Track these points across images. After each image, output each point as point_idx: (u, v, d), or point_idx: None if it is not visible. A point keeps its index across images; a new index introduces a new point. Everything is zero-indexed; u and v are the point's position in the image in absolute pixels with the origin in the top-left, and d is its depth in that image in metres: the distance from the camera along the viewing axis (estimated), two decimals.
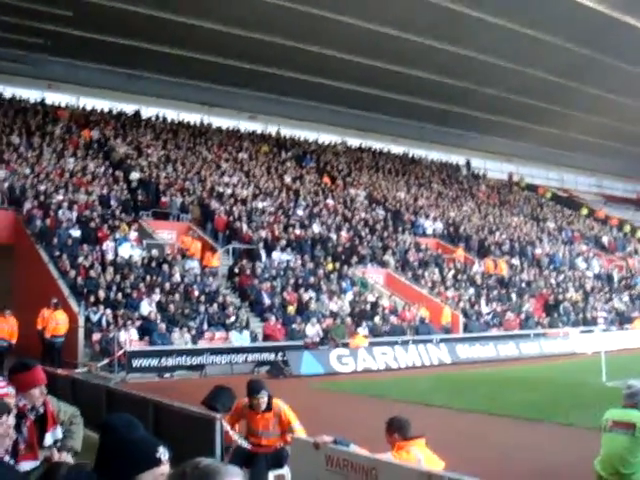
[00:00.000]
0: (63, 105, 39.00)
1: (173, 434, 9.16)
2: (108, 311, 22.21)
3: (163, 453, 2.87)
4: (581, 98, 44.91)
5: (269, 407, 8.34)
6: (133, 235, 27.41)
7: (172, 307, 23.49)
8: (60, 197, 27.70)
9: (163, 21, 33.93)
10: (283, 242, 30.21)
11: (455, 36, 36.33)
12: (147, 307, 23.12)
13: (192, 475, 2.12)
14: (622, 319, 34.30)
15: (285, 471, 8.34)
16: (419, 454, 6.06)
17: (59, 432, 5.90)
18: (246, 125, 46.26)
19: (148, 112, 42.59)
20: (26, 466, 5.22)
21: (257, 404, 8.28)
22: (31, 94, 38.95)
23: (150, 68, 40.04)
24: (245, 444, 8.29)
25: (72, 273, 23.53)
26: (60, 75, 39.84)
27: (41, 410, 5.64)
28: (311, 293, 27.34)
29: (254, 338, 23.99)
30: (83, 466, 3.03)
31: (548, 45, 36.96)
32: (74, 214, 26.87)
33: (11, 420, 4.47)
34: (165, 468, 2.78)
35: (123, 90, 41.71)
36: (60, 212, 26.56)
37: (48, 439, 5.72)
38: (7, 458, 4.48)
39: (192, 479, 2.11)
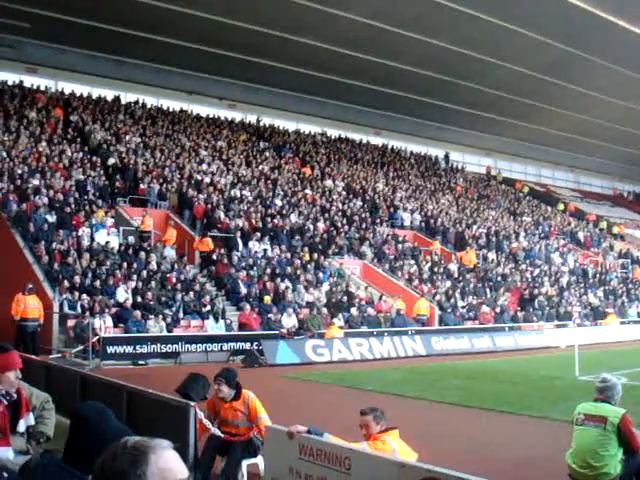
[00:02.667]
0: (41, 89, 38.59)
1: (147, 422, 9.13)
2: (84, 297, 22.10)
3: None
4: (561, 95, 45.25)
5: (237, 397, 8.37)
6: (109, 221, 27.26)
7: (148, 294, 23.40)
8: (36, 182, 27.45)
9: (147, 7, 33.77)
10: (260, 231, 30.15)
11: (437, 29, 36.45)
12: (123, 294, 23.02)
13: (123, 454, 2.10)
14: (596, 314, 34.59)
15: (259, 460, 8.36)
16: (394, 444, 6.10)
17: (32, 418, 5.87)
18: (226, 113, 46.12)
19: (127, 98, 42.32)
20: None
21: (216, 389, 8.35)
22: (9, 77, 38.51)
23: (131, 54, 39.83)
24: (218, 432, 8.29)
25: (47, 259, 23.37)
26: (40, 59, 39.47)
27: (15, 396, 5.60)
28: (288, 283, 27.32)
29: (229, 327, 23.97)
30: (54, 453, 3.00)
31: (530, 41, 37.18)
32: (50, 199, 26.65)
33: None
34: None
35: (103, 75, 41.44)
36: (37, 197, 26.34)
37: (21, 425, 5.70)
38: None
39: (124, 458, 2.09)
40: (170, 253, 27.05)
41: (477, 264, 35.76)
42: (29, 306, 20.92)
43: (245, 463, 8.41)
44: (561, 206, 54.95)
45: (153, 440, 2.16)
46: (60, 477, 2.76)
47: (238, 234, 29.17)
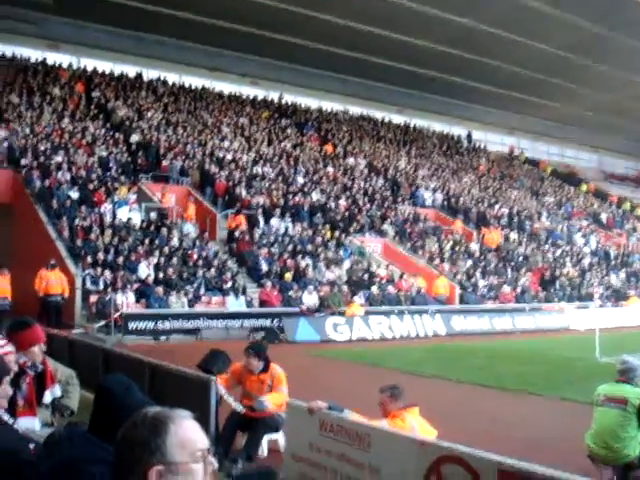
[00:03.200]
0: (64, 66, 38.67)
1: (169, 396, 9.21)
2: (106, 273, 22.28)
3: None
4: (587, 74, 44.72)
5: (265, 369, 8.48)
6: (132, 198, 27.39)
7: (170, 270, 23.53)
8: (59, 158, 27.60)
9: None
10: (282, 209, 30.18)
11: (462, 6, 36.06)
12: (145, 270, 23.17)
13: (143, 424, 2.14)
14: (617, 296, 34.38)
15: (279, 436, 8.45)
16: (413, 422, 6.13)
17: (58, 390, 5.95)
18: (248, 90, 45.98)
19: (150, 75, 42.32)
20: (24, 422, 5.26)
21: (245, 361, 8.46)
22: (32, 54, 38.61)
23: (154, 31, 39.76)
24: (240, 408, 8.37)
25: (70, 235, 23.56)
26: (62, 35, 39.44)
27: (40, 367, 5.68)
28: (308, 260, 27.37)
29: (250, 304, 24.07)
30: (79, 425, 3.05)
31: (557, 20, 36.72)
32: (73, 175, 26.81)
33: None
34: None
35: (125, 52, 41.38)
36: (59, 173, 26.50)
37: (47, 397, 5.78)
38: (6, 416, 4.51)
39: (144, 428, 2.13)
40: (190, 229, 27.14)
41: (500, 244, 35.58)
42: (51, 281, 21.17)
43: (266, 439, 8.50)
44: (584, 187, 54.49)
45: (173, 410, 2.20)
46: (86, 447, 2.81)
47: (260, 211, 29.22)
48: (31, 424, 5.36)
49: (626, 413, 6.74)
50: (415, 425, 6.06)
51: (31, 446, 3.62)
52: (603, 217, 47.10)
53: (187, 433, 2.15)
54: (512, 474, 4.65)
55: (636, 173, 68.27)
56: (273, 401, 8.22)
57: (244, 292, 24.43)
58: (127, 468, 2.12)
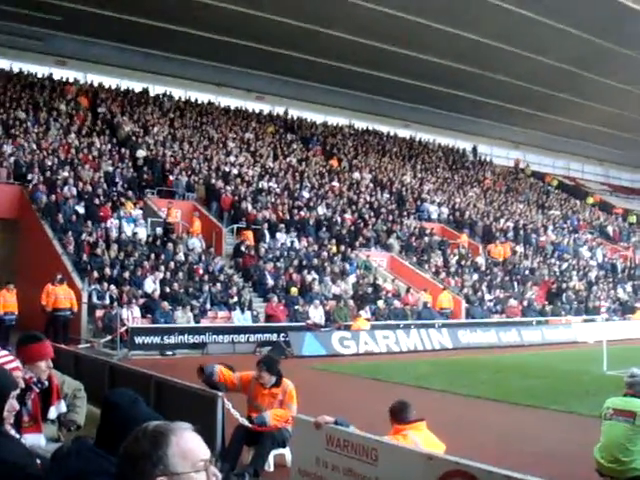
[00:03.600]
0: (70, 81, 38.85)
1: (175, 411, 9.19)
2: (112, 288, 22.31)
3: None
4: (591, 87, 44.75)
5: (277, 384, 8.46)
6: (138, 213, 27.46)
7: (176, 285, 23.55)
8: (65, 173, 27.70)
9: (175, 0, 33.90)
10: (287, 223, 30.20)
11: (467, 21, 36.16)
12: (151, 285, 23.19)
13: (144, 438, 2.16)
14: (625, 309, 34.27)
15: (286, 451, 8.41)
16: (416, 438, 6.08)
17: (63, 406, 5.94)
18: (253, 105, 46.14)
19: (156, 90, 42.50)
20: (30, 439, 5.25)
21: (257, 375, 8.43)
22: (39, 70, 38.84)
23: (160, 46, 39.91)
24: (246, 423, 8.34)
25: (76, 249, 23.61)
26: (69, 51, 39.72)
27: (46, 383, 5.67)
28: (314, 275, 27.36)
29: (256, 318, 24.06)
30: (86, 439, 3.05)
31: (561, 33, 36.79)
32: (79, 190, 26.89)
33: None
34: None
35: (132, 68, 41.63)
36: (65, 188, 26.59)
37: (52, 412, 5.77)
38: (11, 431, 4.50)
39: (145, 441, 2.15)
40: (196, 244, 27.17)
41: (507, 257, 35.47)
42: (60, 296, 21.18)
43: (273, 453, 8.47)
44: (590, 200, 54.45)
45: (173, 423, 2.22)
46: (93, 460, 2.81)
47: (265, 226, 29.24)
48: (36, 440, 5.34)
49: (634, 427, 6.71)
50: (418, 441, 6.01)
51: (37, 461, 3.61)
52: (609, 230, 47.02)
53: (188, 444, 2.16)
54: None
55: None
56: (273, 417, 8.20)
57: (250, 306, 24.43)
58: None
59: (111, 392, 3.21)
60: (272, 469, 8.48)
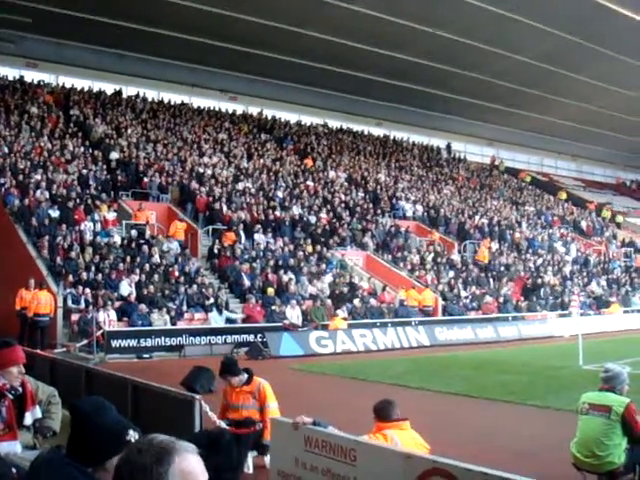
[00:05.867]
0: (42, 84, 38.55)
1: (152, 415, 9.17)
2: (87, 291, 22.14)
3: (133, 436, 2.84)
4: (564, 84, 45.15)
5: (249, 381, 8.45)
6: (112, 216, 27.30)
7: (152, 288, 23.43)
8: (38, 176, 27.45)
9: (148, 0, 33.70)
10: (263, 224, 30.15)
11: (440, 19, 36.35)
12: (127, 288, 23.06)
13: (148, 451, 2.14)
14: (599, 303, 34.57)
15: (266, 459, 8.38)
16: (396, 437, 6.08)
17: (38, 411, 5.88)
18: (227, 106, 46.04)
19: (129, 92, 42.26)
20: (5, 446, 5.20)
21: (228, 383, 8.44)
22: (9, 72, 38.47)
23: (132, 48, 39.77)
24: (224, 425, 8.31)
25: (51, 253, 23.41)
26: (40, 53, 39.43)
27: (20, 390, 5.62)
28: (291, 275, 27.33)
29: (233, 320, 24.01)
30: (62, 448, 3.01)
31: (533, 30, 37.07)
32: (52, 194, 26.67)
33: None
34: None
35: (104, 69, 41.36)
36: (38, 191, 26.35)
37: (28, 419, 5.71)
38: None
39: (149, 455, 2.12)
40: (176, 246, 27.06)
41: (490, 260, 35.60)
42: (41, 302, 20.98)
43: (251, 455, 8.45)
44: (563, 195, 54.87)
45: (179, 442, 2.19)
46: (63, 471, 2.76)
47: (241, 227, 29.17)
48: (12, 448, 5.30)
49: (610, 421, 6.76)
50: (398, 440, 6.01)
51: (13, 470, 3.58)
52: (583, 225, 47.43)
53: (190, 467, 2.14)
54: None
55: (614, 181, 68.86)
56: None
57: (227, 308, 24.37)
58: None
59: (77, 400, 3.16)
60: (251, 471, 8.46)
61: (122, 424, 2.93)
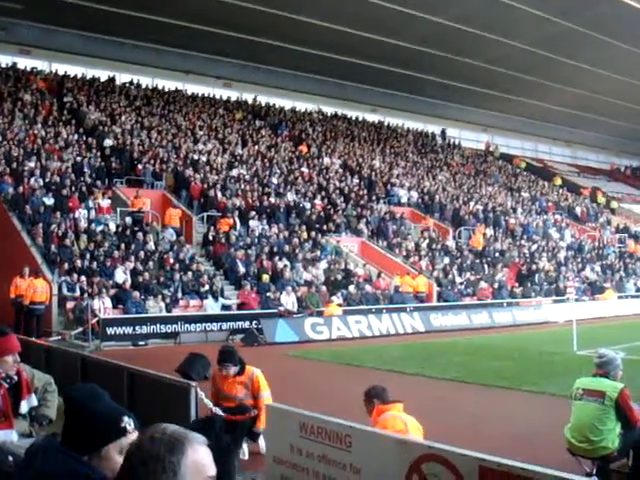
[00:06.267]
0: (35, 71, 38.38)
1: (148, 402, 9.18)
2: (82, 279, 22.13)
3: (128, 422, 2.83)
4: (559, 70, 45.07)
5: (241, 371, 8.44)
6: (106, 203, 27.27)
7: (147, 275, 23.43)
8: (32, 164, 27.38)
9: None
10: (257, 210, 30.14)
11: (435, 5, 36.24)
12: (121, 275, 23.05)
13: (161, 440, 2.17)
14: (594, 289, 34.66)
15: (259, 438, 8.44)
16: (404, 417, 6.17)
17: (34, 400, 5.89)
18: (221, 92, 45.90)
19: (122, 78, 42.10)
20: (1, 435, 5.21)
21: (225, 373, 8.41)
22: (2, 59, 38.25)
23: (126, 34, 39.56)
24: (219, 412, 8.33)
25: (45, 241, 23.37)
26: (33, 40, 39.16)
27: (15, 378, 5.62)
28: (286, 261, 27.34)
29: (228, 306, 24.03)
30: (57, 436, 3.01)
31: (528, 16, 36.97)
32: (46, 181, 26.61)
33: None
34: (132, 437, 2.74)
35: (98, 56, 41.14)
36: (32, 179, 26.29)
37: (24, 407, 5.72)
38: None
39: (162, 444, 2.16)
40: (171, 233, 27.05)
41: (485, 246, 35.63)
42: (38, 290, 20.99)
43: (246, 442, 8.48)
44: (558, 181, 54.90)
45: (191, 433, 2.24)
46: (59, 460, 2.76)
47: (236, 213, 29.16)
48: (8, 436, 5.31)
49: (604, 406, 6.79)
50: (407, 421, 6.10)
51: (10, 458, 3.58)
52: (577, 211, 47.50)
53: (201, 458, 2.19)
54: (493, 470, 4.66)
55: (609, 166, 68.90)
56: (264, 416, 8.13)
57: (222, 295, 24.39)
58: (135, 479, 2.14)
59: (71, 388, 3.16)
60: (247, 457, 8.50)
61: (117, 411, 2.91)
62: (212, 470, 2.20)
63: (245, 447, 8.54)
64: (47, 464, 2.75)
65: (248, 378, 8.41)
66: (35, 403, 5.93)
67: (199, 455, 2.18)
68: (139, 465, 2.16)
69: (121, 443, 2.75)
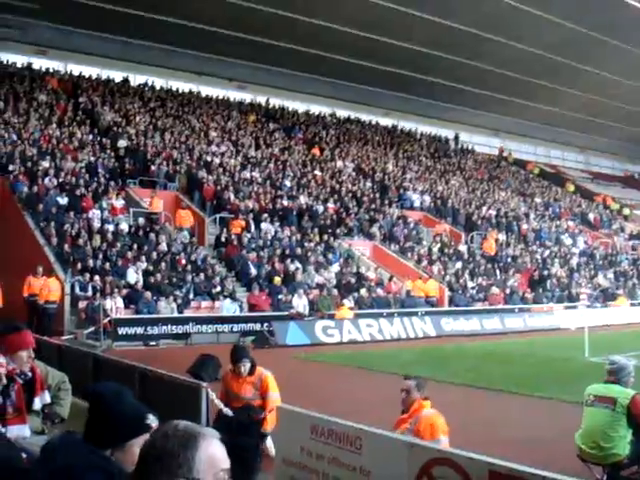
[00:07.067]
0: (50, 71, 38.57)
1: (159, 402, 9.20)
2: (95, 278, 22.22)
3: (152, 420, 2.94)
4: (572, 75, 44.92)
5: (251, 371, 8.45)
6: (120, 203, 27.37)
7: (158, 276, 23.50)
8: (46, 164, 27.52)
9: None
10: (270, 213, 30.17)
11: (448, 9, 36.18)
12: (133, 275, 23.12)
13: (174, 436, 2.20)
14: (606, 296, 34.51)
15: (268, 440, 8.45)
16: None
17: (47, 397, 5.92)
18: (235, 95, 46.01)
19: (137, 80, 42.27)
20: (15, 430, 5.25)
21: (239, 372, 8.42)
22: (18, 59, 38.48)
23: (141, 35, 39.65)
24: (230, 413, 8.35)
25: (58, 241, 23.49)
26: (49, 41, 39.34)
27: (29, 374, 5.66)
28: (297, 264, 27.37)
29: (240, 308, 24.08)
30: (74, 434, 3.07)
31: (541, 20, 36.88)
32: (60, 181, 26.74)
33: None
34: None
35: (112, 57, 41.32)
36: (47, 179, 26.43)
37: (37, 403, 5.76)
38: None
39: (175, 440, 2.19)
40: (184, 234, 27.13)
41: (497, 251, 35.54)
42: (52, 289, 21.10)
43: None
44: (571, 187, 54.72)
45: (203, 427, 2.28)
46: (82, 454, 2.83)
47: (249, 216, 29.21)
48: (21, 432, 5.34)
49: (615, 413, 6.78)
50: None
51: (23, 455, 3.61)
52: (590, 217, 47.32)
53: (215, 452, 2.22)
54: (503, 475, 4.67)
55: (622, 173, 68.60)
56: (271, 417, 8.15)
57: (233, 297, 24.44)
58: (150, 476, 2.17)
59: (97, 384, 3.24)
60: None
61: (142, 408, 3.04)
62: (226, 463, 2.23)
63: None
64: (69, 458, 2.81)
65: (257, 378, 8.43)
66: (48, 400, 5.96)
67: (213, 449, 2.21)
68: (154, 462, 2.19)
69: (144, 439, 2.81)
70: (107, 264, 23.24)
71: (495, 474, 4.71)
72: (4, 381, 4.77)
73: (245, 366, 8.37)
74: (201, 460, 2.17)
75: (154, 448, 2.22)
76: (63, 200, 25.73)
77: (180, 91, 42.70)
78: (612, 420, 6.79)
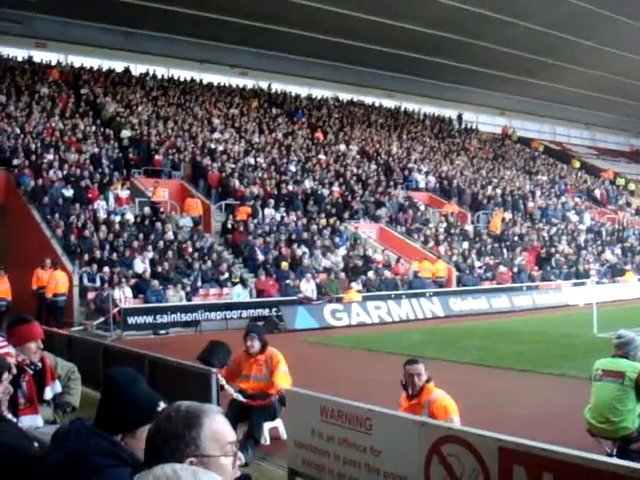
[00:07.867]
0: (52, 63, 38.54)
1: (170, 389, 9.24)
2: (103, 269, 22.28)
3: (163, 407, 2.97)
4: (575, 51, 44.70)
5: (262, 350, 8.57)
6: (125, 193, 27.40)
7: (166, 264, 23.55)
8: (50, 156, 27.54)
9: None
10: (275, 198, 30.18)
11: None
12: (141, 265, 23.17)
13: (177, 417, 2.26)
14: (614, 271, 34.46)
15: (279, 423, 8.52)
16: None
17: (58, 386, 5.98)
18: (237, 81, 45.91)
19: (138, 69, 42.21)
20: (27, 420, 5.30)
21: (249, 345, 8.53)
22: (18, 52, 38.44)
23: (141, 25, 39.57)
24: (240, 398, 8.41)
25: (65, 233, 23.54)
26: (49, 33, 39.28)
27: (39, 365, 5.72)
28: (304, 249, 27.38)
29: (250, 294, 24.13)
30: (84, 420, 3.11)
31: None
32: (65, 173, 26.77)
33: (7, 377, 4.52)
34: None
35: (113, 47, 41.23)
36: (51, 171, 26.46)
37: (48, 393, 5.82)
38: (7, 413, 4.55)
39: (179, 421, 2.25)
40: (190, 223, 27.17)
41: (504, 230, 35.47)
42: (59, 282, 21.17)
43: (267, 427, 8.55)
44: (576, 164, 54.53)
45: (205, 405, 2.34)
46: (93, 439, 2.87)
47: (255, 202, 29.22)
48: (33, 421, 5.40)
49: (623, 387, 6.79)
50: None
51: (35, 444, 3.66)
52: (596, 193, 47.17)
53: (219, 427, 2.29)
54: (513, 451, 4.69)
55: (628, 148, 68.31)
56: (281, 383, 8.23)
57: (242, 283, 24.48)
58: (160, 459, 2.20)
59: (111, 370, 3.27)
60: (268, 442, 8.57)
61: (155, 395, 3.10)
62: (231, 436, 2.30)
63: (266, 432, 8.61)
64: (80, 443, 2.85)
65: (268, 357, 8.56)
66: (59, 389, 6.02)
67: (216, 425, 2.28)
68: (162, 444, 2.24)
69: None
70: (114, 254, 23.29)
71: (505, 450, 4.73)
72: (14, 371, 4.81)
73: (253, 341, 8.49)
74: (207, 437, 2.23)
75: (160, 432, 2.27)
76: (68, 192, 25.77)
77: (182, 79, 42.63)
78: (621, 394, 6.80)
